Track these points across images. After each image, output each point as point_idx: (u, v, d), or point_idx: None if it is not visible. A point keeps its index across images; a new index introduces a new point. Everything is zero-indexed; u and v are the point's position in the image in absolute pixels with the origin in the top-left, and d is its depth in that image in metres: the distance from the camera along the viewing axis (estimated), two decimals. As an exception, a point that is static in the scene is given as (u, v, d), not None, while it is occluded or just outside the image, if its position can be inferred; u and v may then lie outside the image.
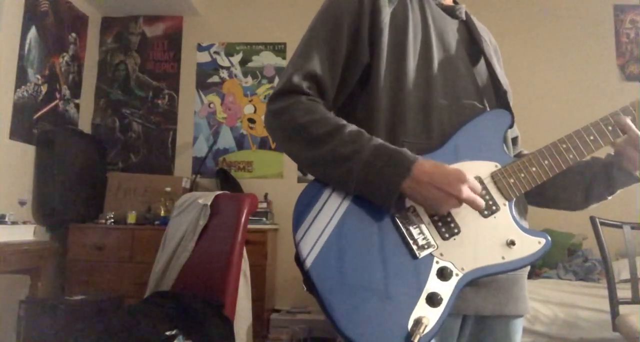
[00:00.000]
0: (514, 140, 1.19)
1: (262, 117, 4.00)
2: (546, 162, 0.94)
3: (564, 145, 0.95)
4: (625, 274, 2.65)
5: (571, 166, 0.97)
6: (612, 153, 1.02)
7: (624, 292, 2.31)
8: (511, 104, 1.08)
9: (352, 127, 0.92)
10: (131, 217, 3.40)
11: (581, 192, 1.06)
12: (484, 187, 0.92)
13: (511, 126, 1.02)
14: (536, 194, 1.06)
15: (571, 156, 0.95)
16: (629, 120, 0.95)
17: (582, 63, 3.94)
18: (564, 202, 1.11)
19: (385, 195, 0.86)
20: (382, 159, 0.87)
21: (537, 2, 4.06)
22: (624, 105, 0.98)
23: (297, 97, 0.95)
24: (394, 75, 0.98)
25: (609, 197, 1.05)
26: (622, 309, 2.26)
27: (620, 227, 2.41)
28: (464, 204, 0.87)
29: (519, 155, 1.12)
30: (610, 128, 0.96)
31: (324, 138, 0.91)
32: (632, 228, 2.43)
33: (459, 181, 0.85)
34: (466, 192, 0.85)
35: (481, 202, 0.87)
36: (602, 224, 2.38)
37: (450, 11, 1.09)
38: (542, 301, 2.71)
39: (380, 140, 0.90)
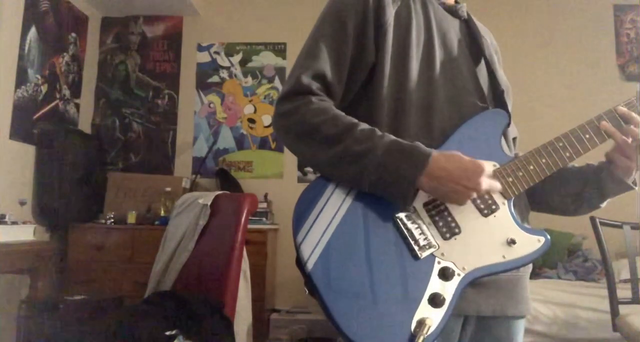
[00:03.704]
0: (512, 141, 1.19)
1: (263, 117, 4.01)
2: (544, 160, 0.95)
3: (561, 144, 0.96)
4: (625, 274, 2.65)
5: (563, 173, 0.97)
6: (605, 159, 1.02)
7: (624, 292, 2.31)
8: (510, 102, 1.08)
9: (364, 126, 0.92)
10: (131, 217, 3.40)
11: (572, 199, 1.07)
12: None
13: (508, 125, 1.02)
14: (530, 201, 1.07)
15: (567, 154, 0.95)
16: (612, 127, 0.95)
17: (582, 63, 3.94)
18: (555, 207, 1.11)
19: (401, 190, 0.86)
20: (396, 154, 0.87)
21: (538, 2, 4.06)
22: (619, 104, 0.98)
23: (307, 97, 0.95)
24: (397, 75, 0.99)
25: (601, 206, 1.05)
26: (622, 309, 2.27)
27: (620, 227, 2.42)
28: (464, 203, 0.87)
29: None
30: None
31: (337, 137, 0.91)
32: (632, 228, 2.43)
33: (477, 175, 0.85)
34: (485, 185, 0.86)
35: (498, 186, 0.89)
36: (602, 224, 2.38)
37: (452, 10, 1.10)
38: (542, 301, 2.71)
39: (393, 137, 0.90)
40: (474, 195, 0.86)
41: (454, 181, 0.85)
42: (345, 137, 0.90)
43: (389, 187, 0.87)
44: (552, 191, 1.07)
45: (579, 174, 1.06)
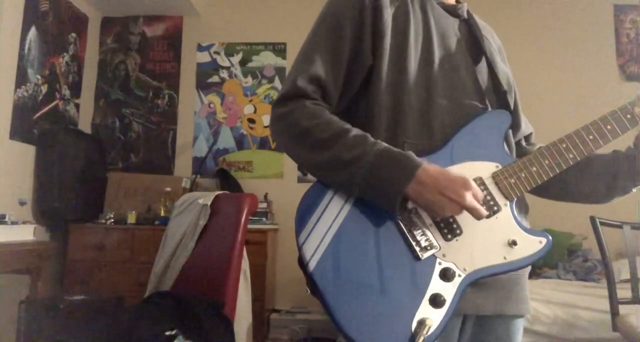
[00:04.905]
0: (529, 137, 1.19)
1: (263, 117, 4.01)
2: (546, 162, 0.94)
3: (564, 145, 0.95)
4: (625, 274, 2.65)
5: (593, 162, 0.97)
6: (632, 145, 1.02)
7: (624, 292, 2.31)
8: (512, 102, 1.08)
9: (357, 131, 0.92)
10: (131, 217, 3.40)
11: (605, 187, 1.06)
12: (485, 188, 0.93)
13: (512, 126, 1.02)
14: (560, 190, 1.07)
15: (571, 156, 0.95)
16: None
17: (582, 63, 3.94)
18: (586, 197, 1.10)
19: (389, 199, 0.86)
20: (386, 163, 0.87)
21: (538, 2, 4.06)
22: (623, 104, 0.98)
23: (302, 101, 0.95)
24: (395, 76, 0.98)
25: (634, 190, 1.05)
26: (622, 309, 2.26)
27: (620, 227, 2.41)
28: None
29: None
30: (609, 127, 0.96)
31: (328, 142, 0.91)
32: (632, 228, 2.43)
33: (463, 188, 0.85)
34: (469, 199, 0.84)
35: (483, 212, 0.86)
36: (602, 224, 2.38)
37: (452, 10, 1.09)
38: (542, 301, 2.71)
39: (385, 144, 0.90)
40: (457, 208, 0.85)
41: (438, 191, 0.84)
42: (336, 143, 0.90)
43: (377, 194, 0.87)
44: (584, 180, 1.07)
45: (610, 161, 1.05)
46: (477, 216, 0.86)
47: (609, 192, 1.07)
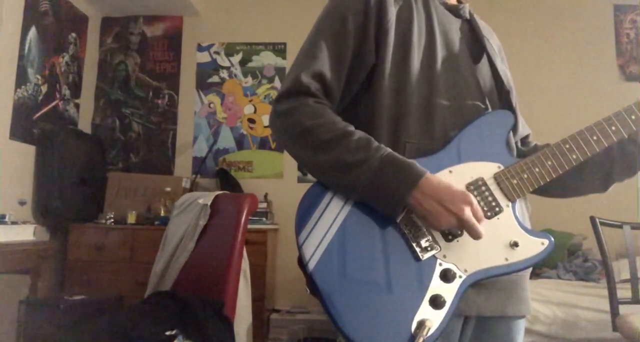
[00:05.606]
0: (526, 138, 1.19)
1: (263, 117, 4.01)
2: (549, 162, 0.94)
3: (567, 146, 0.95)
4: (625, 274, 2.65)
5: (590, 159, 0.97)
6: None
7: (624, 292, 2.31)
8: (514, 103, 1.08)
9: (361, 134, 0.91)
10: (131, 217, 3.40)
11: (601, 180, 1.06)
12: (487, 188, 0.92)
13: (514, 126, 1.01)
14: (558, 188, 1.07)
15: (574, 156, 0.94)
16: None
17: (582, 63, 3.94)
18: (586, 192, 1.11)
19: (390, 205, 0.86)
20: (390, 169, 0.86)
21: (538, 2, 4.06)
22: (627, 105, 0.97)
23: (304, 98, 0.94)
24: (398, 75, 0.98)
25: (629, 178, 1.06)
26: (622, 309, 2.27)
27: (620, 227, 2.42)
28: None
29: (535, 148, 1.13)
30: (613, 128, 0.95)
31: (331, 143, 0.90)
32: (632, 228, 2.43)
33: (463, 202, 0.84)
34: (467, 213, 0.84)
35: (480, 231, 0.84)
36: (602, 224, 2.38)
37: (454, 10, 1.09)
38: (542, 301, 2.71)
39: (389, 150, 0.89)
40: (454, 221, 0.84)
41: (438, 201, 0.84)
42: (338, 145, 0.89)
43: (378, 200, 0.87)
44: (582, 179, 1.07)
45: (604, 157, 1.04)
46: (473, 234, 0.85)
47: (606, 186, 1.08)
